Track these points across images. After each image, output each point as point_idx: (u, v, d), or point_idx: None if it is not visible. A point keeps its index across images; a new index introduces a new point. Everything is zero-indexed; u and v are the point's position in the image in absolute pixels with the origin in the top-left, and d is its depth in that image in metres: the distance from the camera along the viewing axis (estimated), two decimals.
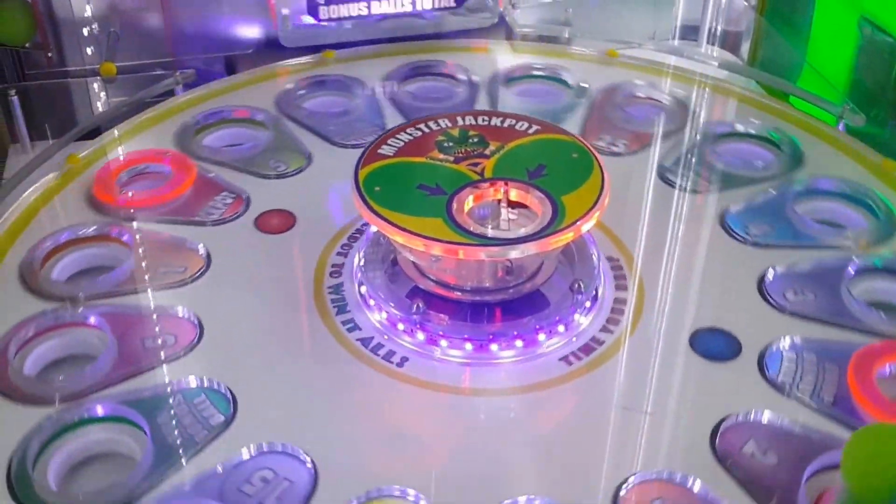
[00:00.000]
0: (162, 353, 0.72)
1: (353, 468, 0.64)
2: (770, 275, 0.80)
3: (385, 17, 1.13)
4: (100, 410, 0.67)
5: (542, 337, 0.74)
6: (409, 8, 1.13)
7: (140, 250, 0.82)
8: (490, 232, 0.72)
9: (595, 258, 0.80)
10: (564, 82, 1.09)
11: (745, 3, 1.25)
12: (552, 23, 1.20)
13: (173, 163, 0.92)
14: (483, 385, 0.72)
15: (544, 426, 0.70)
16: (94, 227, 0.85)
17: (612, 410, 0.69)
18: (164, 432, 0.65)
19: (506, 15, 1.18)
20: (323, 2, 1.11)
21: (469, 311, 0.75)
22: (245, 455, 0.64)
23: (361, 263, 0.80)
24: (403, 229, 0.70)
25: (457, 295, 0.76)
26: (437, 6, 1.14)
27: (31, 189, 0.89)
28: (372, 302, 0.77)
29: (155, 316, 0.76)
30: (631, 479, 0.63)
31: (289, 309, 0.77)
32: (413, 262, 0.78)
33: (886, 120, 1.05)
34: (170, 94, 1.05)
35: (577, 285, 0.76)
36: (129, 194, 0.89)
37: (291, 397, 0.70)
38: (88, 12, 1.09)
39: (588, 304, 0.77)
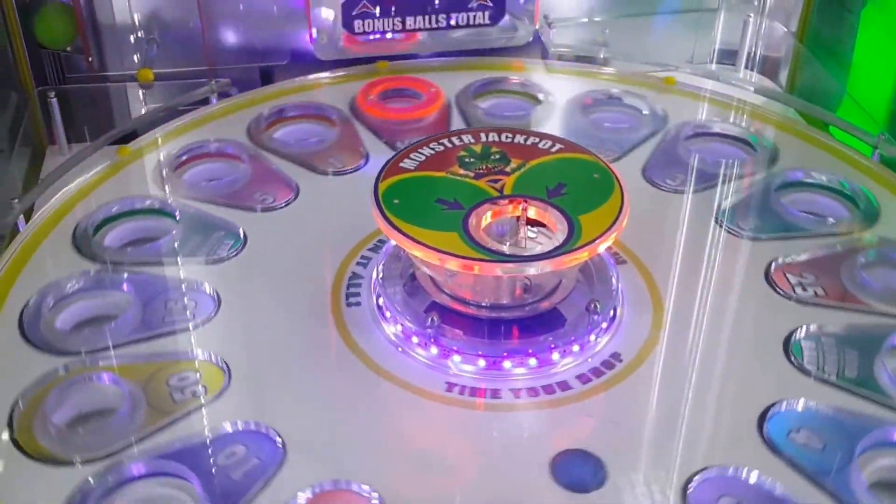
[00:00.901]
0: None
1: None
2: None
3: (420, 32, 1.15)
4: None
5: (556, 356, 0.75)
6: (443, 24, 1.14)
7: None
8: (505, 248, 0.73)
9: (614, 280, 0.80)
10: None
11: (784, 29, 1.25)
12: (588, 43, 1.21)
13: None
14: (497, 400, 0.72)
15: (558, 443, 0.70)
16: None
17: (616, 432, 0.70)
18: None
19: (541, 34, 1.19)
20: (357, 16, 1.12)
21: (483, 327, 0.76)
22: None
23: (380, 276, 0.81)
24: (418, 242, 0.71)
25: (471, 310, 0.77)
26: (472, 23, 1.15)
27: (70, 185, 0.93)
28: (388, 314, 0.78)
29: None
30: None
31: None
32: (430, 277, 0.79)
33: None
34: (205, 101, 1.07)
35: (593, 305, 0.76)
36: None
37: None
38: (129, 19, 1.12)
39: (605, 324, 0.77)
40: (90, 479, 0.64)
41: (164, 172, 0.95)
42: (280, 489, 0.64)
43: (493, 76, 1.12)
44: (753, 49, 1.25)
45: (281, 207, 0.91)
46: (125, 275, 0.81)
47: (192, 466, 0.65)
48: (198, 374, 0.72)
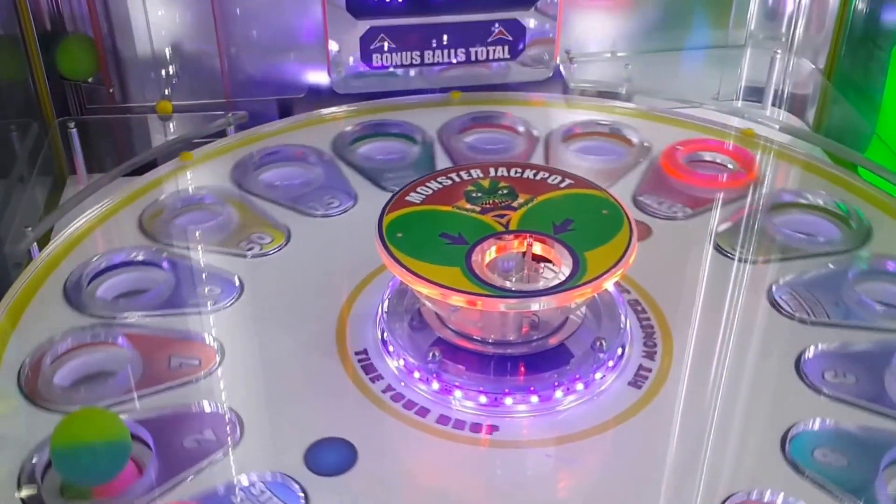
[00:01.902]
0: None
1: None
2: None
3: (438, 66, 1.16)
4: None
5: (559, 394, 0.75)
6: (462, 58, 1.16)
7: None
8: (508, 284, 0.73)
9: (622, 318, 0.80)
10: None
11: (812, 66, 1.25)
12: (610, 78, 1.22)
13: None
14: (500, 438, 0.72)
15: (562, 483, 0.71)
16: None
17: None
18: None
19: (562, 69, 1.20)
20: (375, 50, 1.14)
21: (485, 363, 0.76)
22: None
23: (385, 309, 0.81)
24: (418, 276, 0.72)
25: (474, 346, 0.77)
26: (491, 57, 1.16)
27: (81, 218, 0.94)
28: (391, 348, 0.78)
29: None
30: None
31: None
32: (434, 311, 0.79)
33: None
34: (222, 134, 1.09)
35: (599, 343, 0.76)
36: None
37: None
38: (150, 51, 1.15)
39: (611, 363, 0.77)
40: None
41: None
42: None
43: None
44: (781, 86, 1.25)
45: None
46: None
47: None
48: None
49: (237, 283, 0.87)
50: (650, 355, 0.79)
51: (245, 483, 0.67)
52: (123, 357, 0.78)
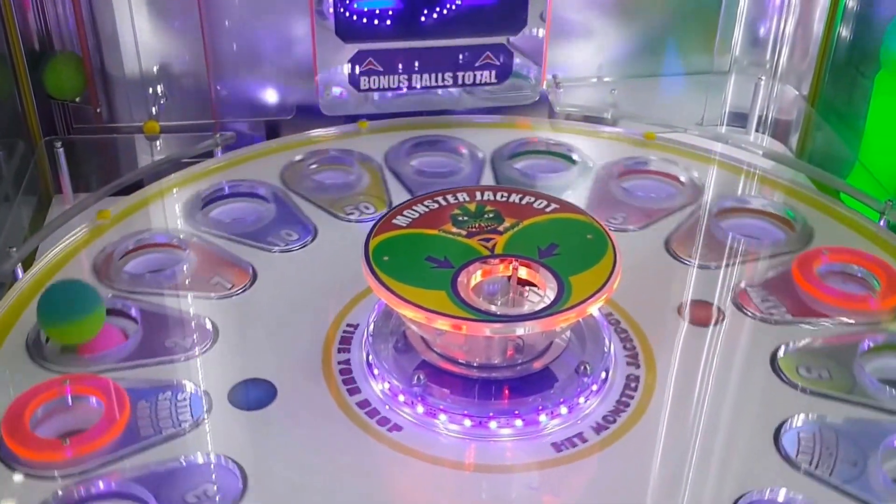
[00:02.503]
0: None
1: None
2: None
3: (425, 89, 1.17)
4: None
5: (543, 418, 0.75)
6: (449, 82, 1.17)
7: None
8: (493, 308, 0.74)
9: (606, 341, 0.81)
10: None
11: (796, 93, 1.27)
12: (596, 103, 1.23)
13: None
14: (484, 461, 0.73)
15: None
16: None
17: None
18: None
19: (548, 93, 1.21)
20: (363, 73, 1.15)
21: (470, 387, 0.77)
22: None
23: (371, 332, 0.82)
24: (404, 299, 0.72)
25: (459, 369, 0.78)
26: (478, 81, 1.18)
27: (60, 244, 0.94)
28: (376, 371, 0.79)
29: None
30: None
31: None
32: (420, 335, 0.80)
33: None
34: (209, 154, 1.10)
35: (583, 367, 0.77)
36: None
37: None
38: (138, 71, 1.15)
39: (595, 387, 0.78)
40: None
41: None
42: None
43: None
44: (765, 112, 1.27)
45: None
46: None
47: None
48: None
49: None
50: (634, 377, 0.80)
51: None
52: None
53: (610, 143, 1.15)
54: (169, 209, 1.01)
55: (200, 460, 0.71)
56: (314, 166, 1.09)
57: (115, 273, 0.90)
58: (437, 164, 1.12)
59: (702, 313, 0.87)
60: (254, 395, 0.77)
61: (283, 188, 1.04)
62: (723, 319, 0.86)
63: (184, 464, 0.71)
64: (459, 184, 1.05)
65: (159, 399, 0.76)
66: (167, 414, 0.75)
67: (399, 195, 1.03)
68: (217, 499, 0.68)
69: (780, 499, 0.68)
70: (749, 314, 0.87)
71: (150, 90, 1.16)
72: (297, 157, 1.10)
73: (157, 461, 0.70)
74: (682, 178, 1.07)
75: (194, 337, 0.83)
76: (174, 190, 1.03)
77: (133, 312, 0.85)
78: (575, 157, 1.12)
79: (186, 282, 0.90)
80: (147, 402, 0.75)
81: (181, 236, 0.95)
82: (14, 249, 0.90)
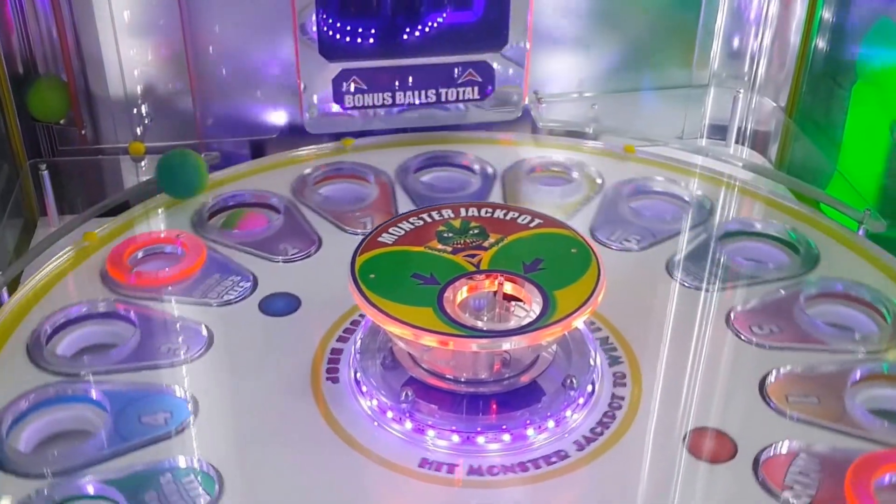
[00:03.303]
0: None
1: None
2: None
3: (409, 107, 1.17)
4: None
5: (531, 432, 0.75)
6: (433, 99, 1.17)
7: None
8: (479, 323, 0.73)
9: (592, 354, 0.81)
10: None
11: (774, 104, 1.27)
12: (578, 118, 1.23)
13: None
14: (473, 477, 0.72)
15: None
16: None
17: None
18: None
19: (531, 109, 1.22)
20: (348, 91, 1.15)
21: (458, 402, 0.76)
22: None
23: (358, 348, 0.82)
24: (392, 317, 0.72)
25: (446, 385, 0.77)
26: (462, 98, 1.18)
27: (46, 266, 0.93)
28: (364, 388, 0.78)
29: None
30: None
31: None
32: (407, 351, 0.80)
33: None
34: None
35: (570, 381, 0.77)
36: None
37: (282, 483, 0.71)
38: (122, 93, 1.15)
39: (581, 400, 0.78)
40: None
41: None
42: None
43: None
44: (744, 124, 1.27)
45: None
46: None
47: None
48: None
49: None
50: (620, 390, 0.80)
51: None
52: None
53: (598, 159, 1.15)
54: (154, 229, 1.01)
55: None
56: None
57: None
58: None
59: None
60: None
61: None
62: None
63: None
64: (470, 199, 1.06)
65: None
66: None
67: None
68: None
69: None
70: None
71: (135, 111, 1.16)
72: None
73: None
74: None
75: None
76: (160, 210, 1.03)
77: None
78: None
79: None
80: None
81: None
82: (0, 273, 0.89)
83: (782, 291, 0.91)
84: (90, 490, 0.69)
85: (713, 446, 0.74)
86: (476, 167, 1.12)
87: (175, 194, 1.04)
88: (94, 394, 0.77)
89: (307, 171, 1.10)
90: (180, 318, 0.87)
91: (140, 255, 0.96)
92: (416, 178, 1.11)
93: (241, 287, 0.91)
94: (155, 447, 0.73)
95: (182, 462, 0.72)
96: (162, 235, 0.98)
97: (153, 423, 0.75)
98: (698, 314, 0.89)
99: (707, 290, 0.92)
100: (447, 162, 1.14)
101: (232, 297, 0.90)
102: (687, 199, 1.07)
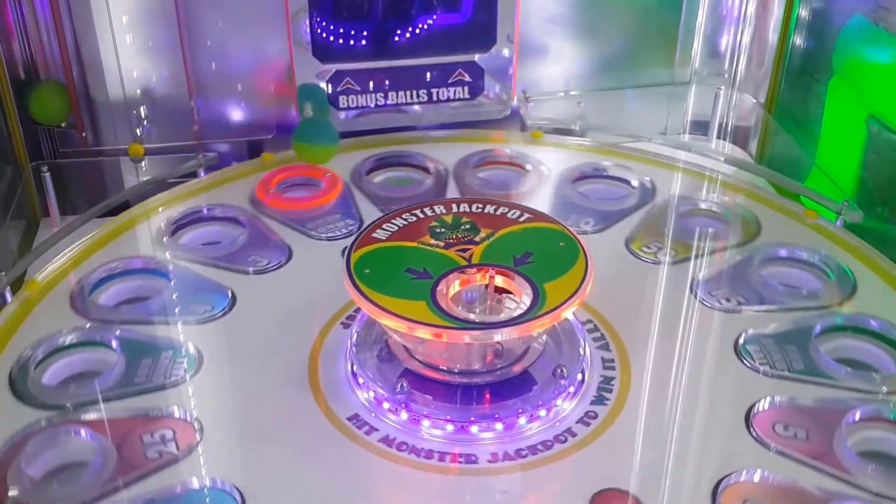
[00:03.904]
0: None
1: None
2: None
3: (401, 106, 1.17)
4: None
5: (522, 420, 0.75)
6: (424, 99, 1.17)
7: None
8: (471, 316, 0.73)
9: (581, 344, 0.81)
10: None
11: (753, 101, 1.28)
12: (564, 116, 1.23)
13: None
14: (468, 465, 0.72)
15: None
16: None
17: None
18: None
19: (519, 107, 1.22)
20: (341, 92, 1.15)
21: (451, 393, 0.76)
22: None
23: (354, 342, 0.82)
24: (387, 311, 0.72)
25: (440, 376, 0.77)
26: (452, 97, 1.18)
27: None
28: (361, 380, 0.78)
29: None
30: None
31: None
32: (402, 343, 0.80)
33: (892, 217, 1.05)
34: (193, 175, 1.09)
35: (560, 370, 0.77)
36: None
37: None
38: (122, 96, 1.14)
39: (572, 389, 0.78)
40: None
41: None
42: None
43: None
44: (725, 120, 1.28)
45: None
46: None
47: None
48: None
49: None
50: (609, 379, 0.80)
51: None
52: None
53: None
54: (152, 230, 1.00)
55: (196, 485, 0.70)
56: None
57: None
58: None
59: None
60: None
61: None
62: None
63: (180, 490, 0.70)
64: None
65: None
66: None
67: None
68: None
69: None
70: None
71: (134, 114, 1.16)
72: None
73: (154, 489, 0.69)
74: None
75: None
76: (160, 209, 1.03)
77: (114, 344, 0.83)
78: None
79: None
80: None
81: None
82: (3, 273, 0.89)
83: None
84: None
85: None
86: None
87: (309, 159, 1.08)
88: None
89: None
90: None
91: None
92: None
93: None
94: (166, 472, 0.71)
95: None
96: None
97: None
98: (663, 287, 0.91)
99: (668, 264, 0.93)
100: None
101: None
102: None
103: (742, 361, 0.81)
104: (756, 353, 0.82)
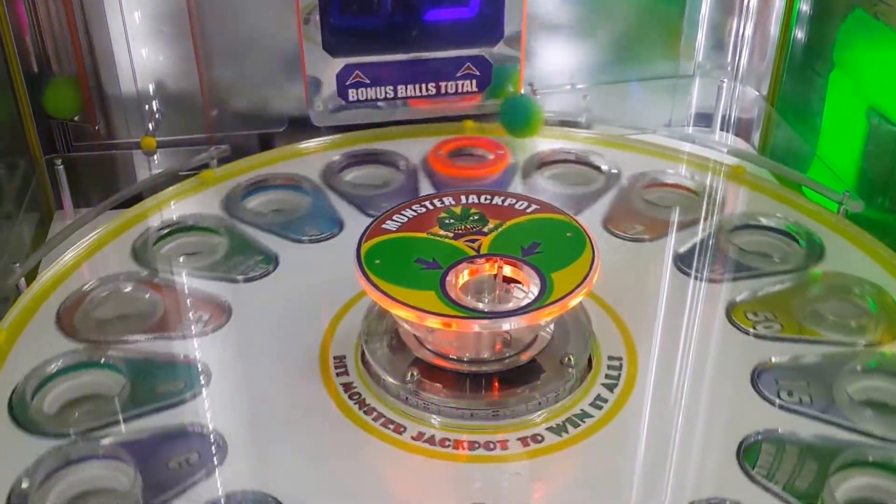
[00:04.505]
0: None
1: None
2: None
3: (410, 100, 1.16)
4: None
5: (531, 407, 0.74)
6: (433, 92, 1.16)
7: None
8: (480, 305, 0.73)
9: (587, 334, 0.80)
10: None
11: (756, 93, 1.27)
12: (570, 108, 1.22)
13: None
14: (480, 453, 0.72)
15: (537, 494, 0.70)
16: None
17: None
18: None
19: None
20: (351, 85, 1.14)
21: (461, 381, 0.76)
22: None
23: (365, 331, 0.81)
24: (397, 300, 0.72)
25: (450, 364, 0.77)
26: (460, 91, 1.17)
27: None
28: (371, 369, 0.78)
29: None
30: None
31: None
32: (412, 333, 0.79)
33: (892, 207, 1.04)
34: (205, 167, 1.09)
35: (567, 359, 0.76)
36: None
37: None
38: (134, 90, 1.14)
39: (579, 377, 0.77)
40: None
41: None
42: None
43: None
44: (728, 112, 1.27)
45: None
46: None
47: None
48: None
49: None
50: (615, 367, 0.79)
51: None
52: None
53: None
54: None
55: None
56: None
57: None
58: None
59: None
60: None
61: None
62: None
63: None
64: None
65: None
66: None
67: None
68: None
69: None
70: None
71: (147, 107, 1.15)
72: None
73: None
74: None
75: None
76: (171, 203, 1.02)
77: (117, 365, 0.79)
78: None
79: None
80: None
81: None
82: (17, 265, 0.88)
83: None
84: None
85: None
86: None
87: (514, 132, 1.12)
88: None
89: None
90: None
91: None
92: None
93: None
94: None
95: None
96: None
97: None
98: (694, 302, 0.89)
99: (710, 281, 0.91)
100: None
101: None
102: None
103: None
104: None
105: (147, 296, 0.87)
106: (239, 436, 0.72)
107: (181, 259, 0.93)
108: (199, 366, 0.79)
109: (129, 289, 0.88)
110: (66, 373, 0.78)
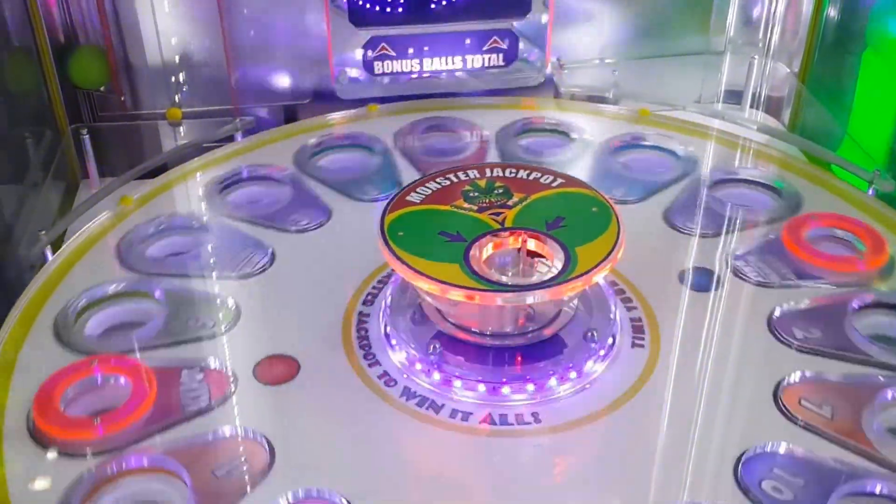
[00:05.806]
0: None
1: None
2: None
3: (436, 74, 1.16)
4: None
5: (553, 382, 0.74)
6: (459, 66, 1.16)
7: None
8: (504, 279, 0.73)
9: (612, 309, 0.80)
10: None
11: (787, 70, 1.25)
12: (598, 83, 1.21)
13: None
14: (501, 426, 0.72)
15: (562, 469, 0.71)
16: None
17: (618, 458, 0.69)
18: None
19: (553, 75, 1.20)
20: (377, 58, 1.14)
21: (484, 354, 0.76)
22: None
23: (388, 304, 0.81)
24: (420, 273, 0.72)
25: (472, 338, 0.77)
26: (486, 65, 1.16)
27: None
28: (394, 342, 0.78)
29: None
30: None
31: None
32: (435, 306, 0.79)
33: None
34: (230, 139, 1.09)
35: (591, 334, 0.76)
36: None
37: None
38: (160, 61, 1.14)
39: (602, 352, 0.77)
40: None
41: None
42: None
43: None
44: (758, 89, 1.25)
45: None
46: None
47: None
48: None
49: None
50: (639, 344, 0.79)
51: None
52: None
53: (611, 121, 1.13)
54: (192, 192, 1.00)
55: (228, 433, 0.71)
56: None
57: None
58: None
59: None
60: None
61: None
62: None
63: (211, 438, 0.70)
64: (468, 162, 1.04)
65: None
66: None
67: (409, 175, 1.02)
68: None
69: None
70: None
71: (172, 78, 1.16)
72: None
73: (186, 436, 0.70)
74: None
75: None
76: (197, 174, 1.02)
77: (157, 294, 0.84)
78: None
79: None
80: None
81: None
82: (43, 232, 0.89)
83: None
84: None
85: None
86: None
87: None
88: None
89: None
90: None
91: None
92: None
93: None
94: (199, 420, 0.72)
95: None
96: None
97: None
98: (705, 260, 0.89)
99: (709, 236, 0.92)
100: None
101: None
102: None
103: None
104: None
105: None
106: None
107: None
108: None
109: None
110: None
